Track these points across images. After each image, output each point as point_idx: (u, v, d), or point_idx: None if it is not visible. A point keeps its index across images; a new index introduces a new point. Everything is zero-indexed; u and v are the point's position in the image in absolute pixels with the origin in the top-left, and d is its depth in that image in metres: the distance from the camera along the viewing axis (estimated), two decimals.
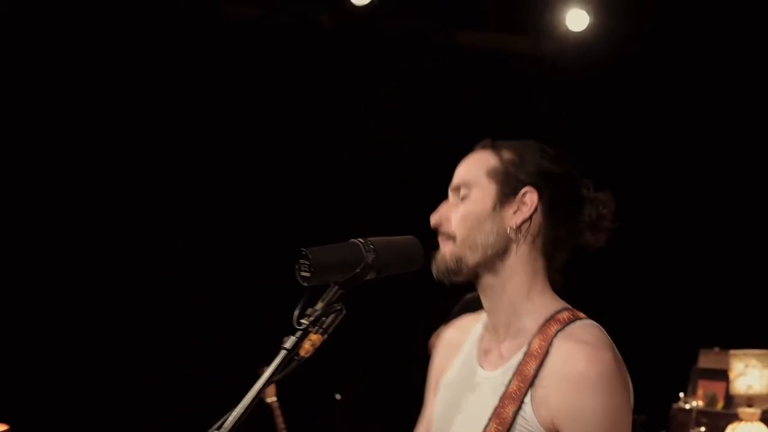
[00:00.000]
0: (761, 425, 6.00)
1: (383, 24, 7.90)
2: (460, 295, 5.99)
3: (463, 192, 2.36)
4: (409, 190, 7.67)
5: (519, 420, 2.23)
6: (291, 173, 7.76)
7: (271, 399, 6.18)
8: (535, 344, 2.27)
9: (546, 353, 2.25)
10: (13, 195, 6.82)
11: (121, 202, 7.20)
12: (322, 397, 7.34)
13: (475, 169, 2.36)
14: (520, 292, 2.35)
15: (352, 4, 7.40)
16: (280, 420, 6.22)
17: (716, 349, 6.97)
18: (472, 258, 2.33)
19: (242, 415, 2.11)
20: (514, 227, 2.33)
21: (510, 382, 2.27)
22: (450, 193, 2.40)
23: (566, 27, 7.66)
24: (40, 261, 6.92)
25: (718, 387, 6.72)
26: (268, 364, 5.96)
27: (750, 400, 6.34)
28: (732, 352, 6.61)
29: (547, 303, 2.35)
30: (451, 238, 2.34)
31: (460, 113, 7.80)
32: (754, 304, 7.35)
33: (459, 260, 2.33)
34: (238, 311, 7.32)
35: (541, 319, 2.32)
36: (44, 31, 6.76)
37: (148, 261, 7.23)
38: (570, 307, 2.36)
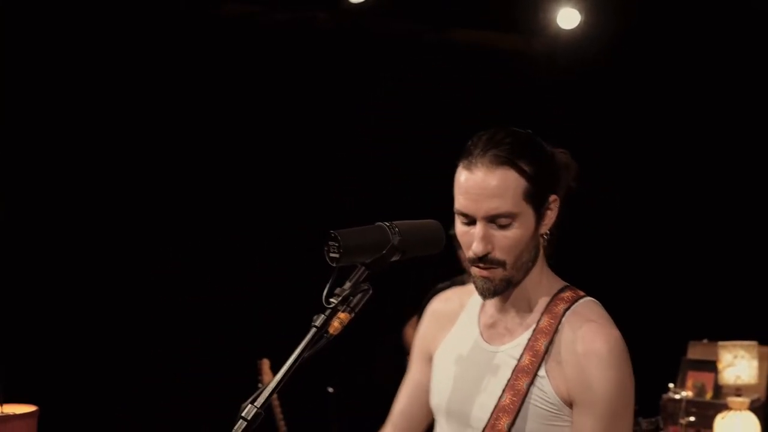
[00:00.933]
0: (750, 414, 6.12)
1: (378, 22, 7.97)
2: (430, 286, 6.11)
3: (503, 221, 2.40)
4: (404, 187, 7.77)
5: (534, 391, 2.39)
6: (287, 171, 7.79)
7: None
8: (544, 322, 2.45)
9: (556, 330, 2.42)
10: (9, 192, 6.83)
11: (116, 198, 7.20)
12: (316, 390, 7.40)
13: (510, 197, 2.39)
14: (534, 280, 2.51)
15: (348, 3, 7.46)
16: (278, 411, 6.30)
17: (705, 341, 7.10)
18: (518, 276, 2.46)
19: (275, 389, 2.19)
20: (545, 235, 2.50)
21: (521, 356, 2.42)
22: (481, 221, 2.41)
23: (557, 25, 7.74)
24: (39, 257, 6.93)
25: (707, 377, 6.85)
26: (267, 356, 6.02)
27: (738, 390, 6.46)
28: (720, 343, 6.70)
29: (550, 283, 2.53)
30: (500, 264, 2.43)
31: (454, 111, 7.87)
32: (742, 297, 7.48)
33: (508, 281, 2.45)
34: (237, 309, 7.36)
35: (546, 298, 2.49)
36: (40, 28, 6.76)
37: (144, 259, 7.25)
38: (569, 284, 2.55)
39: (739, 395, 6.33)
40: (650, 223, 7.91)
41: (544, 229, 2.48)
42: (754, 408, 6.32)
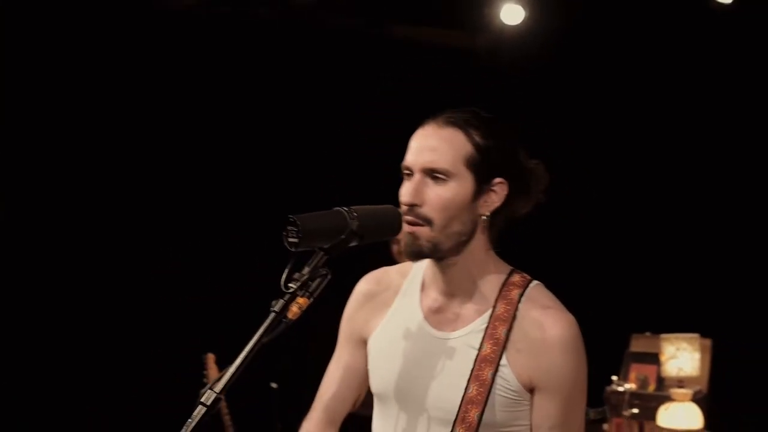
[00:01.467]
0: (693, 405, 6.20)
1: (321, 17, 7.95)
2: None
3: (440, 177, 2.41)
4: (346, 179, 7.76)
5: (498, 381, 2.40)
6: (228, 166, 7.77)
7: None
8: (500, 309, 2.44)
9: (514, 317, 2.42)
10: None
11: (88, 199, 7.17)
12: (260, 387, 7.37)
13: (451, 156, 2.41)
14: (478, 264, 2.50)
15: None
16: (223, 405, 6.26)
17: (648, 334, 7.17)
18: (446, 244, 2.44)
19: (234, 375, 2.19)
20: (486, 215, 2.47)
21: (482, 345, 2.42)
22: (418, 173, 2.44)
23: (501, 21, 7.77)
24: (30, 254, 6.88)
25: (649, 370, 6.92)
26: (212, 350, 5.97)
27: (681, 382, 6.53)
28: (663, 336, 6.78)
29: (497, 267, 2.52)
30: (428, 222, 2.42)
31: (395, 107, 7.88)
32: (684, 290, 7.56)
33: (434, 246, 2.43)
34: (183, 304, 7.31)
35: (497, 283, 2.49)
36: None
37: (89, 257, 7.19)
38: (514, 268, 2.55)
39: (681, 387, 6.40)
40: (592, 215, 7.97)
41: (485, 209, 2.46)
42: (696, 399, 6.39)
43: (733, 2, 7.27)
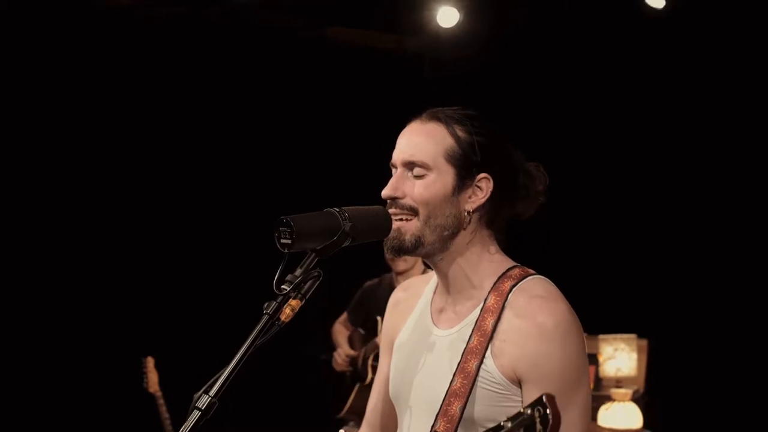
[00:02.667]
0: (632, 405, 6.26)
1: (258, 18, 7.91)
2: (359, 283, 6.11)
3: (419, 171, 2.41)
4: (283, 183, 7.74)
5: (482, 373, 2.34)
6: (161, 170, 7.71)
7: (154, 389, 6.16)
8: (491, 300, 2.40)
9: (502, 308, 2.37)
10: None
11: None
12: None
13: (432, 150, 2.41)
14: (471, 261, 2.47)
15: None
16: (163, 410, 6.20)
17: (585, 334, 7.22)
18: (430, 238, 2.42)
19: (228, 379, 2.15)
20: (470, 211, 2.44)
21: (470, 337, 2.38)
22: (400, 167, 2.44)
23: (437, 24, 7.79)
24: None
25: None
26: (151, 354, 5.88)
27: (619, 382, 6.59)
28: (601, 336, 6.83)
29: (498, 264, 2.48)
30: (414, 213, 2.41)
31: (332, 108, 7.89)
32: (621, 291, 7.65)
33: (418, 239, 2.41)
34: (122, 306, 7.23)
35: (493, 278, 2.45)
36: None
37: (25, 257, 7.09)
38: (520, 265, 2.50)
39: (619, 387, 6.46)
40: (534, 220, 8.02)
41: (469, 205, 2.43)
42: (634, 399, 6.46)
43: (664, 7, 7.38)
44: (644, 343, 6.93)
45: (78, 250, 7.19)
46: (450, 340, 2.44)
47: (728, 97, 7.65)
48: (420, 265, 6.04)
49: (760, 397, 7.65)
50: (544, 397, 1.81)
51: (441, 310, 2.52)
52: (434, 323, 2.51)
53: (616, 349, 6.68)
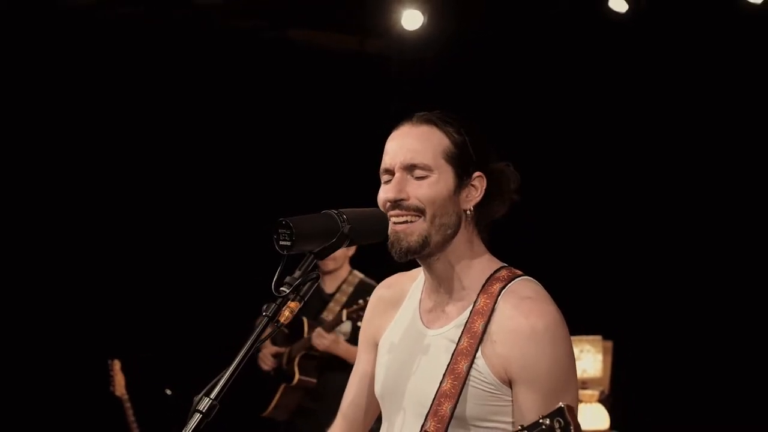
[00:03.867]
0: (599, 406, 6.32)
1: (220, 19, 7.88)
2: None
3: (420, 173, 2.43)
4: (246, 184, 7.72)
5: (473, 373, 2.38)
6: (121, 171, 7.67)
7: (121, 393, 6.13)
8: (481, 302, 2.43)
9: (492, 310, 2.41)
10: None
11: None
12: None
13: (430, 151, 2.44)
14: (463, 262, 2.50)
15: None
16: (130, 413, 6.17)
17: None
18: (435, 238, 2.44)
19: (229, 381, 2.15)
20: (469, 210, 2.49)
21: (460, 339, 2.41)
22: (399, 171, 2.45)
23: (401, 26, 7.79)
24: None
25: None
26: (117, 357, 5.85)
27: (584, 384, 6.64)
28: None
29: (486, 264, 2.52)
30: (420, 214, 2.42)
31: (297, 111, 7.89)
32: (586, 292, 7.68)
33: (425, 240, 2.43)
34: (88, 310, 7.18)
35: (482, 279, 2.48)
36: None
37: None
38: (507, 265, 2.54)
39: (585, 388, 6.50)
40: (497, 223, 8.04)
41: (467, 204, 2.48)
42: (600, 400, 6.51)
43: (627, 11, 7.44)
44: (609, 344, 6.97)
45: (43, 253, 7.14)
46: (439, 341, 2.46)
47: (692, 98, 7.73)
48: (347, 266, 6.05)
49: (724, 394, 7.74)
50: (564, 408, 1.83)
51: (430, 310, 2.53)
52: (423, 323, 2.53)
53: (581, 351, 6.71)
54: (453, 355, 2.39)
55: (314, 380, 5.93)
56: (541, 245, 8.07)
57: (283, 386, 6.00)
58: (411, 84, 7.91)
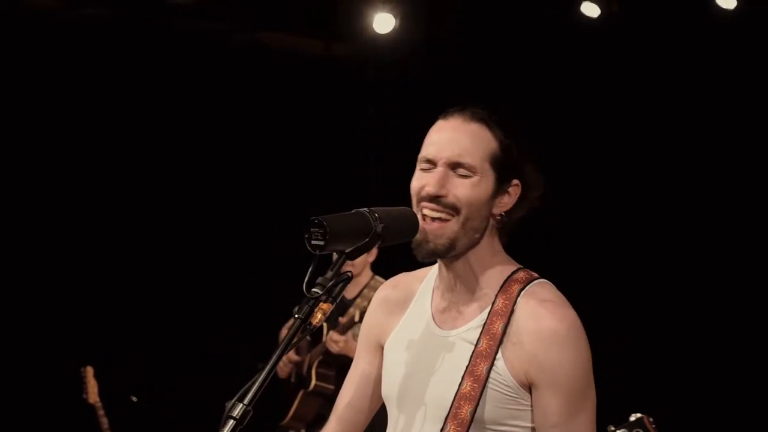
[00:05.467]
0: None
1: (187, 21, 7.81)
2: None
3: (464, 172, 2.38)
4: (213, 187, 7.66)
5: (492, 375, 2.34)
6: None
7: (94, 400, 6.06)
8: (499, 303, 2.39)
9: (512, 312, 2.38)
10: None
11: None
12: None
13: (478, 152, 2.39)
14: (483, 263, 2.46)
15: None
16: (103, 421, 6.11)
17: None
18: (463, 241, 2.40)
19: (262, 386, 2.09)
20: (498, 215, 2.45)
21: (478, 340, 2.37)
22: (443, 165, 2.39)
23: (373, 30, 7.76)
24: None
25: None
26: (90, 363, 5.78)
27: None
28: None
29: (503, 265, 2.48)
30: (455, 213, 2.37)
31: (268, 114, 7.84)
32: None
33: (452, 243, 2.39)
34: (61, 315, 7.08)
35: (499, 280, 2.44)
36: None
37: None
38: (522, 267, 2.50)
39: None
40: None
41: (498, 209, 2.43)
42: None
43: (599, 15, 7.45)
44: None
45: (14, 261, 7.03)
46: (454, 342, 2.43)
47: (665, 103, 7.73)
48: (368, 271, 6.00)
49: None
50: (643, 418, 1.79)
51: (444, 310, 2.49)
52: (436, 323, 2.48)
53: None
54: (472, 356, 2.36)
55: (332, 386, 5.88)
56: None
57: (301, 392, 5.95)
58: (386, 87, 7.87)
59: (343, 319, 5.81)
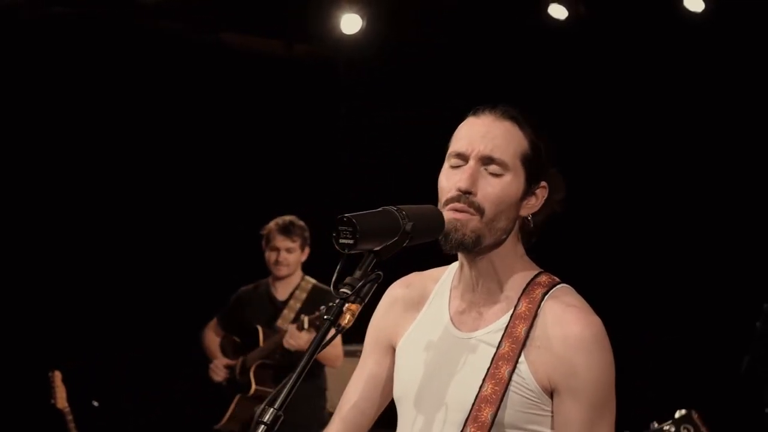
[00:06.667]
0: None
1: (151, 20, 7.73)
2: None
3: (496, 169, 2.35)
4: (177, 187, 7.59)
5: (515, 379, 2.31)
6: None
7: (63, 405, 5.97)
8: (522, 307, 2.36)
9: (535, 315, 2.34)
10: None
11: None
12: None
13: (511, 150, 2.37)
14: (506, 264, 2.42)
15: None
16: (72, 426, 6.02)
17: None
18: (488, 239, 2.36)
19: (292, 390, 2.04)
20: (527, 217, 2.42)
21: (501, 343, 2.33)
22: (474, 160, 2.36)
23: (340, 31, 7.72)
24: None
25: None
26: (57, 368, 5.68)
27: None
28: None
29: (525, 268, 2.44)
30: (479, 212, 2.33)
31: (237, 115, 7.80)
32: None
33: (478, 238, 2.34)
34: (27, 321, 6.98)
35: (522, 283, 2.41)
36: None
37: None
38: (544, 270, 2.47)
39: None
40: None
41: (525, 210, 2.40)
42: None
43: (566, 18, 7.46)
44: None
45: None
46: (475, 344, 2.38)
47: (630, 105, 7.76)
48: (299, 272, 5.99)
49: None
50: (691, 413, 1.75)
51: (462, 312, 2.44)
52: (455, 325, 2.43)
53: None
54: (493, 359, 2.33)
55: (271, 390, 5.77)
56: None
57: (238, 397, 5.91)
58: (357, 86, 7.85)
59: (283, 324, 5.79)
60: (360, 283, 2.11)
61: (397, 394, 2.49)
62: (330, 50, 8.03)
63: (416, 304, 2.52)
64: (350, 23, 7.71)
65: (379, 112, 7.83)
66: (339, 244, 2.11)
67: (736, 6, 7.18)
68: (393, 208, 2.19)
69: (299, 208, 6.21)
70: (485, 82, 7.89)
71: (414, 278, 2.58)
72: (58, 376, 6.01)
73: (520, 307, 2.36)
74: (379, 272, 2.15)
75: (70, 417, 6.00)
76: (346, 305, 2.10)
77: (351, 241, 2.09)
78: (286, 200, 6.63)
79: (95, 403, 7.16)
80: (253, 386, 5.82)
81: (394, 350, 2.53)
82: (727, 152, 7.44)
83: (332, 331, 2.11)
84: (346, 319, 2.10)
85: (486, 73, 7.91)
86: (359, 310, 2.12)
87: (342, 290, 2.11)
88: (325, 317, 2.09)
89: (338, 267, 2.12)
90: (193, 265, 7.36)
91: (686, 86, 7.56)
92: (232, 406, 5.90)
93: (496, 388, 2.30)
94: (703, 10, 7.17)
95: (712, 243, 7.47)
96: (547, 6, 7.45)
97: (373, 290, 2.15)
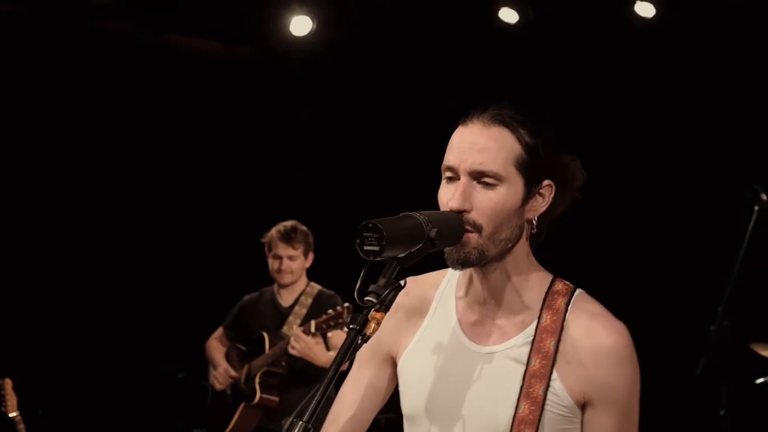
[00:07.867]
0: None
1: (95, 21, 7.63)
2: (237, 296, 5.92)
3: (489, 180, 2.23)
4: (125, 191, 7.49)
5: (549, 397, 2.23)
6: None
7: (14, 413, 5.82)
8: (547, 319, 2.28)
9: (561, 328, 2.26)
10: None
11: None
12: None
13: (501, 158, 2.24)
14: (521, 273, 2.33)
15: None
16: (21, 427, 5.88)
17: None
18: (493, 251, 2.26)
19: (321, 401, 1.98)
20: (532, 220, 2.31)
21: (529, 359, 2.25)
22: (465, 176, 2.25)
23: (290, 32, 7.66)
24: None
25: None
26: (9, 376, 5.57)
27: None
28: None
29: (539, 275, 2.36)
30: (477, 229, 2.23)
31: (182, 118, 7.71)
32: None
33: (482, 253, 2.24)
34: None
35: (540, 292, 2.32)
36: None
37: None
38: (554, 275, 2.38)
39: None
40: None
41: (532, 213, 2.29)
42: None
43: (517, 22, 7.47)
44: None
45: None
46: (499, 360, 2.29)
47: (581, 110, 7.79)
48: (304, 278, 5.89)
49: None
50: None
51: (475, 323, 2.33)
52: (468, 337, 2.33)
53: None
54: (525, 377, 2.23)
55: (276, 398, 5.74)
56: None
57: (242, 405, 5.79)
58: (309, 88, 7.79)
59: (288, 331, 5.68)
60: (386, 293, 2.04)
61: (410, 411, 2.38)
62: (281, 52, 7.97)
63: (417, 312, 2.42)
64: (300, 25, 7.67)
65: (333, 113, 7.81)
66: (364, 251, 2.04)
67: (686, 12, 7.24)
68: (416, 214, 2.12)
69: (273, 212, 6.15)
70: (436, 84, 7.88)
71: (411, 284, 2.36)
72: (8, 383, 5.86)
73: (544, 320, 2.27)
74: (404, 279, 2.07)
75: (21, 426, 5.85)
76: (371, 313, 2.03)
77: (377, 248, 2.02)
78: (252, 204, 6.56)
79: (39, 413, 7.05)
80: (258, 394, 5.71)
81: (393, 360, 2.44)
82: (675, 156, 7.49)
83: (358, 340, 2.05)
84: (371, 328, 2.03)
85: (437, 76, 7.91)
86: (384, 318, 2.05)
87: (367, 298, 2.04)
88: (351, 326, 2.03)
89: (361, 274, 2.05)
90: (154, 270, 7.32)
91: (636, 91, 7.60)
92: (237, 414, 5.79)
93: (533, 407, 2.22)
94: (654, 16, 7.23)
95: (662, 246, 7.51)
96: (498, 9, 7.46)
97: (396, 298, 2.08)
